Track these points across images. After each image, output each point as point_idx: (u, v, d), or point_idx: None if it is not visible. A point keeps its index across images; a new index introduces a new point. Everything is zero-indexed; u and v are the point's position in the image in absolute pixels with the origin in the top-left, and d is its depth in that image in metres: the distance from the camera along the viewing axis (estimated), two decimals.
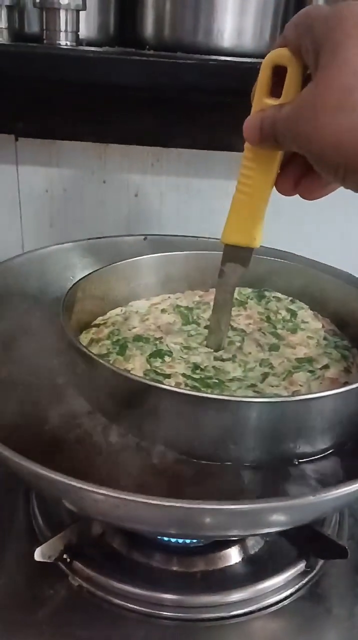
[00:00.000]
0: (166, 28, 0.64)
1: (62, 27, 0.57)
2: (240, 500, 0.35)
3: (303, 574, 0.52)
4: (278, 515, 0.37)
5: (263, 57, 0.67)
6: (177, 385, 0.49)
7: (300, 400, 0.44)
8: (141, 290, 0.66)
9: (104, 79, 0.57)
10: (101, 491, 0.34)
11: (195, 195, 0.85)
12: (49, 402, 0.50)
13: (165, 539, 0.53)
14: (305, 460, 0.47)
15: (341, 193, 0.85)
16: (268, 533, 0.52)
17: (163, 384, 0.47)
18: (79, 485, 0.35)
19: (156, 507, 0.34)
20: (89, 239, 0.73)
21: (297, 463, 0.47)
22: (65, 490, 0.36)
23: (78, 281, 0.59)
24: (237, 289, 0.67)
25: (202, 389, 0.49)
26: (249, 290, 0.67)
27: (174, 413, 0.44)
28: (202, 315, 0.63)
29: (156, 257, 0.67)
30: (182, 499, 0.34)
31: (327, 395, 0.44)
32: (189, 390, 0.47)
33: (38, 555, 0.47)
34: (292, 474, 0.46)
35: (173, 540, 0.53)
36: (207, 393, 0.46)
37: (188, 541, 0.53)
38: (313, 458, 0.48)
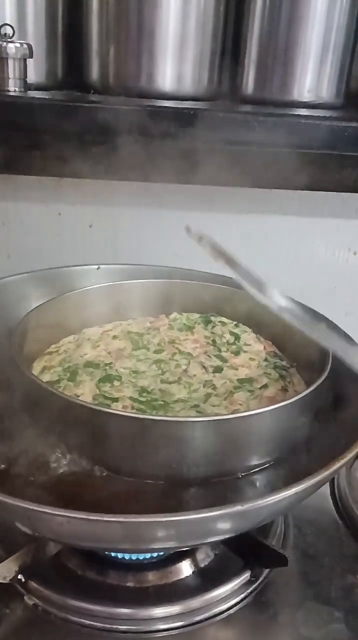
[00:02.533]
0: (110, 73, 0.68)
1: (11, 75, 0.61)
2: (172, 513, 0.38)
3: (249, 583, 0.55)
4: (212, 525, 0.40)
5: (203, 99, 0.72)
6: (124, 408, 0.52)
7: (236, 417, 0.48)
8: (94, 318, 0.69)
9: (50, 123, 0.61)
10: (46, 510, 0.37)
11: (148, 226, 0.89)
12: (1, 431, 0.52)
13: (119, 555, 0.56)
14: (246, 473, 0.50)
15: (286, 224, 0.90)
16: (211, 544, 0.55)
17: (109, 407, 0.50)
18: (25, 505, 0.37)
19: (96, 522, 0.37)
20: (45, 269, 0.76)
21: (240, 476, 0.50)
22: (13, 511, 0.39)
23: (31, 311, 0.62)
24: (185, 314, 0.71)
25: (148, 411, 0.52)
26: (197, 315, 0.71)
27: (119, 435, 0.47)
28: (152, 340, 0.66)
29: (107, 286, 0.71)
30: (120, 514, 0.37)
31: (260, 413, 0.48)
32: (133, 412, 0.50)
33: None
34: (233, 487, 0.49)
35: (126, 557, 0.56)
36: (147, 415, 0.49)
37: (141, 557, 0.56)
38: (253, 471, 0.51)
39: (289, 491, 0.41)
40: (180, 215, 0.89)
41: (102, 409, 0.47)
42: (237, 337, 0.67)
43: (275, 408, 0.48)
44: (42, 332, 0.63)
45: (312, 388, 0.51)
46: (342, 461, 0.45)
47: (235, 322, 0.70)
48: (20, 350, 0.55)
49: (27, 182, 0.86)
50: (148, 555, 0.56)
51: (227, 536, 0.47)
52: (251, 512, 0.40)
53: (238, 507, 0.39)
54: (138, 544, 0.43)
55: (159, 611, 0.52)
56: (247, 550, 0.55)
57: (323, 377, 0.53)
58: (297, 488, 0.42)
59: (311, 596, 0.55)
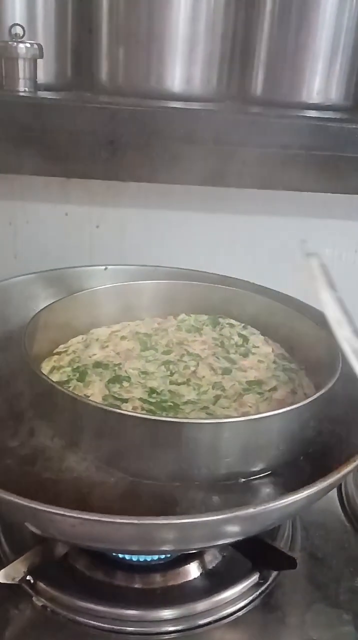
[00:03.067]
0: (120, 74, 0.68)
1: (21, 75, 0.61)
2: (188, 514, 0.38)
3: (257, 585, 0.55)
4: (224, 528, 0.40)
5: (211, 100, 0.72)
6: (134, 409, 0.52)
7: (247, 420, 0.48)
8: (102, 319, 0.69)
9: (60, 123, 0.61)
10: (58, 512, 0.37)
11: (154, 226, 0.89)
12: (11, 430, 0.52)
13: (127, 557, 0.56)
14: (254, 476, 0.50)
15: (292, 225, 0.90)
16: (220, 546, 0.55)
17: (120, 408, 0.50)
18: (37, 507, 0.37)
19: (109, 524, 0.37)
20: (52, 269, 0.76)
21: (248, 479, 0.50)
22: (25, 512, 0.39)
23: (40, 311, 0.62)
24: (193, 315, 0.71)
25: (157, 412, 0.52)
26: (205, 317, 0.71)
27: (128, 436, 0.47)
28: (160, 341, 0.66)
29: (116, 287, 0.71)
30: (133, 516, 0.37)
31: (272, 415, 0.48)
32: (143, 413, 0.50)
33: (2, 577, 0.49)
34: (243, 490, 0.49)
35: (134, 558, 0.56)
36: (159, 416, 0.49)
37: (149, 559, 0.56)
38: (262, 475, 0.51)
39: (300, 494, 0.41)
40: (186, 216, 0.89)
41: (114, 409, 0.47)
42: (245, 339, 0.67)
43: (287, 411, 0.48)
44: (51, 332, 0.63)
45: (323, 390, 0.51)
46: (353, 464, 0.44)
47: (243, 324, 0.70)
48: (29, 350, 0.55)
49: (34, 182, 0.86)
50: (156, 557, 0.56)
51: (237, 539, 0.47)
52: (262, 515, 0.40)
53: (250, 510, 0.39)
54: (149, 546, 0.43)
55: (167, 613, 0.52)
56: (256, 553, 0.55)
57: (334, 380, 0.53)
58: (308, 491, 0.42)
59: (319, 598, 0.55)
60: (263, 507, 0.39)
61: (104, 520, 0.37)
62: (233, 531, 0.43)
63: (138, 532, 0.38)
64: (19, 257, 0.91)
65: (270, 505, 0.40)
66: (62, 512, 0.37)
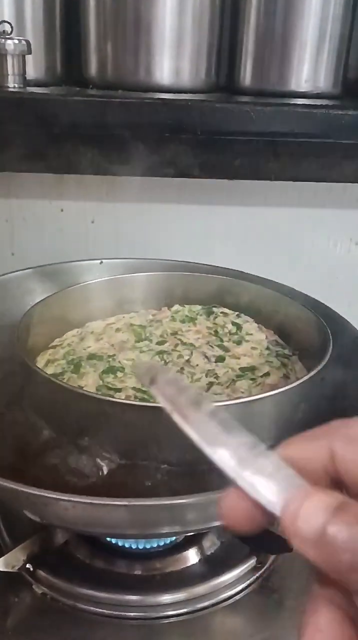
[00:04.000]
0: (108, 68, 0.69)
1: (10, 71, 0.62)
2: (179, 495, 0.39)
3: (255, 569, 0.55)
4: (214, 508, 0.41)
5: (200, 92, 0.73)
6: (127, 398, 0.53)
7: (237, 403, 0.48)
8: (97, 312, 0.70)
9: (50, 118, 0.61)
10: (51, 495, 0.38)
11: (149, 220, 0.89)
12: (7, 423, 0.53)
13: (126, 544, 0.57)
14: None
15: (287, 215, 0.91)
16: (220, 529, 0.56)
17: (113, 397, 0.51)
18: (31, 491, 0.38)
19: (101, 506, 0.38)
20: (48, 264, 0.77)
21: None
22: (19, 497, 0.39)
23: (34, 305, 0.63)
24: (187, 306, 0.72)
25: (150, 400, 0.52)
26: (199, 307, 0.72)
27: (125, 424, 0.48)
28: (154, 332, 0.67)
29: (110, 280, 0.71)
30: (123, 498, 0.38)
31: (261, 398, 0.48)
32: (135, 401, 0.51)
33: (2, 565, 0.50)
34: None
35: (133, 545, 0.56)
36: (149, 402, 0.50)
37: (148, 546, 0.57)
38: None
39: None
40: (180, 208, 0.90)
41: (104, 397, 0.48)
42: (238, 327, 0.67)
43: (276, 393, 0.49)
44: (46, 326, 0.64)
45: (311, 374, 0.52)
46: None
47: (236, 313, 0.70)
48: (24, 343, 0.56)
49: (29, 179, 0.86)
50: (155, 544, 0.57)
51: None
52: None
53: None
54: (143, 529, 0.43)
55: (167, 598, 0.52)
56: (253, 537, 0.55)
57: (323, 363, 0.53)
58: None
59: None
60: None
61: (95, 503, 0.37)
62: None
63: (131, 514, 0.39)
64: (16, 254, 0.91)
65: None
66: (54, 496, 0.37)
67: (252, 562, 0.55)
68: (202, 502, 0.39)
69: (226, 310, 0.70)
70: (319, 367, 0.52)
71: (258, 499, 0.23)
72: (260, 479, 0.23)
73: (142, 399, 0.53)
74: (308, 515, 0.21)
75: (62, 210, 0.89)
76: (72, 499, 0.37)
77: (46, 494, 0.38)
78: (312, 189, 0.87)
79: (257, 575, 0.55)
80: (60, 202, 0.89)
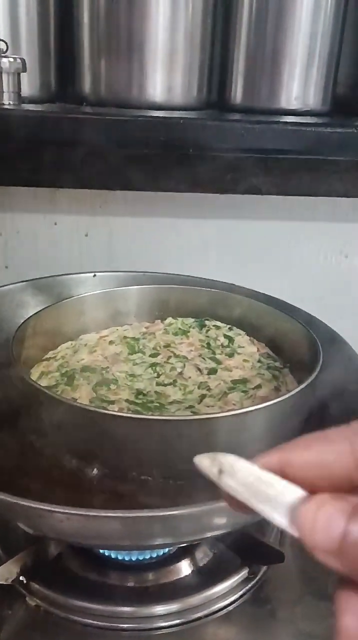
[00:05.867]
0: (102, 85, 0.70)
1: (5, 89, 0.63)
2: (173, 507, 0.39)
3: (247, 580, 0.56)
4: (210, 519, 0.41)
5: (192, 109, 0.74)
6: (120, 410, 0.53)
7: (228, 415, 0.49)
8: (91, 324, 0.71)
9: (43, 135, 0.63)
10: (45, 507, 0.38)
11: (142, 233, 0.90)
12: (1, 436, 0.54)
13: (119, 556, 0.57)
14: None
15: (278, 229, 0.92)
16: (212, 542, 0.56)
17: (106, 409, 0.52)
18: (24, 503, 0.38)
19: (96, 518, 0.38)
20: (41, 278, 0.78)
21: None
22: (13, 509, 0.40)
23: (28, 318, 0.63)
24: (180, 319, 0.73)
25: (143, 412, 0.53)
26: (191, 320, 0.73)
27: (119, 436, 0.48)
28: (148, 345, 0.67)
29: (103, 293, 0.72)
30: (118, 510, 0.38)
31: (252, 410, 0.49)
32: (128, 413, 0.51)
33: None
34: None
35: (126, 557, 0.57)
36: (142, 415, 0.50)
37: (141, 557, 0.57)
38: None
39: None
40: (173, 222, 0.91)
41: (98, 409, 0.49)
42: (231, 340, 0.68)
43: (267, 405, 0.49)
44: (40, 339, 0.65)
45: (302, 386, 0.53)
46: None
47: (229, 326, 0.71)
48: (18, 356, 0.56)
49: (23, 193, 0.87)
50: (148, 556, 0.57)
51: (224, 531, 0.48)
52: None
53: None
54: (137, 540, 0.44)
55: (160, 609, 0.53)
56: (245, 548, 0.56)
57: (313, 376, 0.54)
58: None
59: (309, 592, 0.56)
60: None
61: (90, 515, 0.38)
62: (221, 523, 0.44)
63: (125, 526, 0.39)
64: (10, 267, 0.92)
65: None
66: (49, 508, 0.38)
67: (244, 573, 0.56)
68: (196, 513, 0.40)
69: (218, 323, 0.71)
70: (310, 380, 0.53)
71: (270, 520, 0.22)
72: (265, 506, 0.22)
73: (135, 411, 0.53)
74: (324, 526, 0.20)
75: (55, 224, 0.90)
76: (67, 511, 0.38)
77: (41, 506, 0.38)
78: (302, 203, 0.88)
79: (250, 586, 0.56)
80: (53, 215, 0.90)
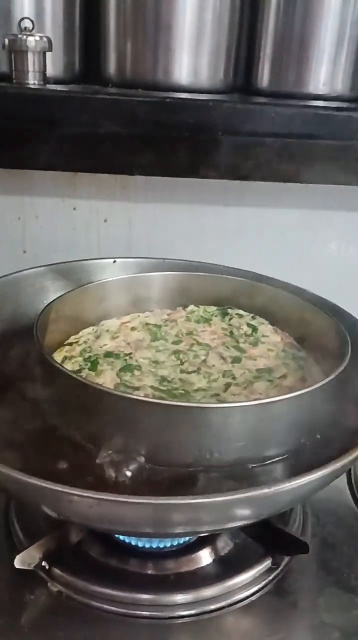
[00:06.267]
0: (128, 67, 0.69)
1: (30, 68, 0.62)
2: (204, 495, 0.39)
3: (270, 570, 0.55)
4: (239, 508, 0.41)
5: (218, 92, 0.73)
6: (146, 396, 0.53)
7: (258, 404, 0.48)
8: (112, 310, 0.70)
9: (69, 116, 0.62)
10: (77, 492, 0.38)
11: (161, 220, 0.89)
12: (28, 419, 0.53)
13: (140, 544, 0.56)
14: (263, 463, 0.51)
15: (299, 217, 0.91)
16: (234, 531, 0.56)
17: (132, 394, 0.51)
18: (55, 487, 0.38)
19: (127, 504, 0.38)
20: (62, 262, 0.77)
21: (257, 465, 0.51)
22: (43, 493, 0.39)
23: (51, 303, 0.63)
24: (202, 307, 0.72)
25: (169, 399, 0.52)
26: (214, 308, 0.72)
27: (141, 422, 0.48)
28: (170, 332, 0.67)
29: (125, 279, 0.71)
30: (150, 496, 0.38)
31: (283, 399, 0.48)
32: (157, 399, 0.51)
33: (18, 563, 0.50)
34: (251, 475, 0.49)
35: (147, 545, 0.56)
36: (172, 400, 0.50)
37: (161, 545, 0.56)
38: (274, 460, 0.51)
39: (313, 476, 0.42)
40: (193, 209, 0.90)
41: (128, 395, 0.48)
42: (254, 329, 0.67)
43: (296, 395, 0.49)
44: (62, 324, 0.64)
45: (331, 377, 0.52)
46: None
47: (252, 314, 0.70)
48: (42, 340, 0.56)
49: (42, 177, 0.86)
50: (168, 544, 0.56)
51: (251, 521, 0.47)
52: (275, 496, 0.41)
53: (264, 490, 0.40)
54: (163, 527, 0.43)
55: (180, 597, 0.52)
56: (268, 538, 0.55)
57: (343, 366, 0.53)
58: (320, 473, 0.42)
59: (331, 583, 0.56)
60: (277, 487, 0.40)
61: (121, 501, 0.37)
62: (248, 513, 0.43)
63: (154, 513, 0.39)
64: (29, 252, 0.91)
65: (284, 486, 0.40)
66: (80, 493, 0.37)
67: (267, 563, 0.55)
68: (225, 502, 0.39)
69: (241, 311, 0.70)
70: (339, 370, 0.52)
71: None
72: None
73: (161, 398, 0.53)
74: None
75: (74, 209, 0.89)
76: (98, 496, 0.37)
77: (72, 491, 0.38)
78: (324, 190, 0.87)
79: (272, 576, 0.55)
80: (73, 200, 0.89)
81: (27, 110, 0.62)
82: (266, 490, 0.39)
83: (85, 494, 0.38)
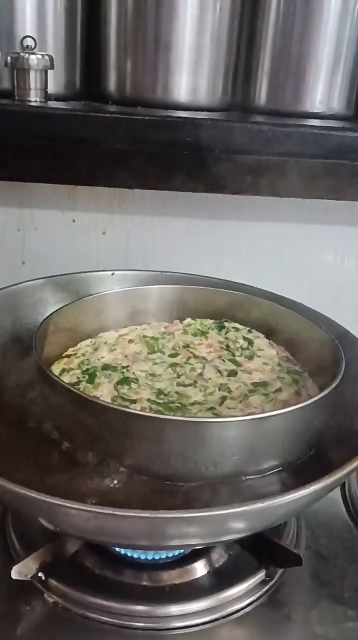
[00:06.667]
0: (128, 85, 0.70)
1: (32, 86, 0.63)
2: (198, 509, 0.39)
3: (263, 582, 0.56)
4: (233, 522, 0.42)
5: (216, 110, 0.74)
6: (143, 409, 0.53)
7: (253, 419, 0.49)
8: (110, 323, 0.71)
9: (69, 133, 0.63)
10: (72, 505, 0.38)
11: (159, 233, 0.90)
12: (24, 431, 0.54)
13: (135, 555, 0.57)
14: (259, 476, 0.51)
15: (295, 231, 0.92)
16: (228, 543, 0.56)
17: (129, 408, 0.52)
18: (52, 500, 0.39)
19: (123, 518, 0.39)
20: (60, 274, 0.78)
21: (249, 478, 0.51)
22: (40, 506, 0.40)
23: (50, 315, 0.63)
24: (198, 320, 0.73)
25: (165, 413, 0.53)
26: (210, 321, 0.72)
27: (138, 435, 0.48)
28: (167, 345, 0.68)
29: (123, 291, 0.72)
30: (146, 510, 0.38)
31: (276, 415, 0.49)
32: (153, 413, 0.51)
33: (14, 574, 0.50)
34: (244, 489, 0.50)
35: (142, 556, 0.57)
36: (168, 415, 0.51)
37: (156, 557, 0.57)
38: (268, 473, 0.52)
39: (307, 490, 0.43)
40: (191, 222, 0.91)
41: (124, 409, 0.49)
42: (250, 342, 0.68)
43: (291, 410, 0.50)
44: (60, 336, 0.65)
45: (326, 392, 0.53)
46: (357, 462, 0.46)
47: (248, 328, 0.71)
48: (41, 353, 0.56)
49: (42, 190, 0.87)
50: (164, 555, 0.57)
51: (245, 534, 0.48)
52: (269, 510, 0.42)
53: (258, 505, 0.40)
54: (159, 540, 0.44)
55: (175, 609, 0.53)
56: (262, 551, 0.56)
57: (337, 382, 0.54)
58: (314, 487, 0.43)
59: (325, 596, 0.56)
60: (271, 501, 0.41)
61: (118, 514, 0.38)
62: (242, 526, 0.44)
63: (150, 526, 0.40)
64: (27, 263, 0.92)
65: (278, 500, 0.41)
66: (77, 507, 0.38)
67: (260, 575, 0.56)
68: (221, 515, 0.40)
69: (237, 325, 0.71)
70: (333, 385, 0.53)
71: None
72: None
73: (157, 411, 0.53)
74: None
75: (74, 221, 0.90)
76: (95, 509, 0.38)
77: (69, 505, 0.38)
78: (321, 206, 0.88)
79: (266, 588, 0.56)
80: (72, 213, 0.90)
81: (28, 127, 0.63)
82: (260, 505, 0.40)
83: (83, 508, 0.38)
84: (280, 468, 0.53)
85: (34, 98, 0.64)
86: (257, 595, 0.55)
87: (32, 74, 0.63)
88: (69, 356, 0.64)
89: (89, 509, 0.38)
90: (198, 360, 0.65)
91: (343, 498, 0.69)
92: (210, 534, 0.43)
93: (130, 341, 0.67)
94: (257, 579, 0.56)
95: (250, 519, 0.43)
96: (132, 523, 0.39)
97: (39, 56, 0.63)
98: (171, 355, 0.65)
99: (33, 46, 0.64)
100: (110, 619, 0.52)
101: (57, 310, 0.65)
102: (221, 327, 0.71)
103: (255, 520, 0.44)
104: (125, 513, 0.38)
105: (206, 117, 0.66)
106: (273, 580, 0.56)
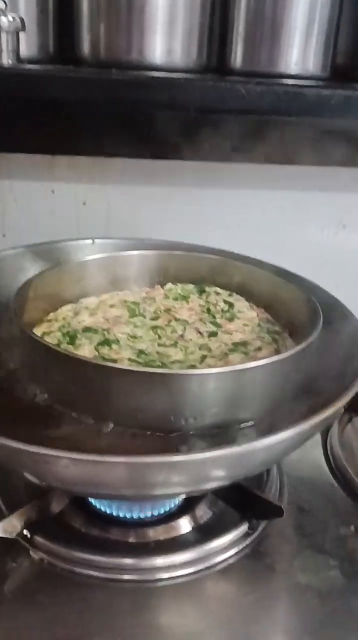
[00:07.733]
0: (101, 47, 0.70)
1: (4, 47, 0.62)
2: (177, 453, 0.40)
3: (247, 535, 0.57)
4: (212, 468, 0.42)
5: (192, 72, 0.74)
6: None
7: (232, 371, 0.50)
8: (91, 289, 0.71)
9: (44, 94, 0.62)
10: (51, 452, 0.39)
11: (140, 202, 0.90)
12: (8, 392, 0.54)
13: (121, 514, 0.58)
14: (238, 427, 0.52)
15: (278, 198, 0.92)
16: (212, 499, 0.57)
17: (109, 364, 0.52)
18: (31, 449, 0.39)
19: (101, 464, 0.39)
20: (40, 243, 0.78)
21: (240, 427, 0.52)
22: (20, 456, 0.40)
23: (30, 279, 0.63)
24: (179, 285, 0.73)
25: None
26: (191, 286, 0.73)
27: (122, 390, 0.49)
28: (148, 309, 0.68)
29: (104, 258, 0.72)
30: (123, 455, 0.39)
31: (255, 367, 0.50)
32: (135, 367, 0.52)
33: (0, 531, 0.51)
34: (227, 438, 0.51)
35: (128, 515, 0.58)
36: (149, 368, 0.51)
37: (142, 515, 0.58)
38: (248, 425, 0.53)
39: (283, 434, 0.43)
40: (171, 191, 0.91)
41: (105, 364, 0.49)
42: (231, 305, 0.69)
43: (269, 363, 0.50)
44: (40, 302, 0.65)
45: (303, 345, 0.53)
46: (334, 407, 0.47)
47: (229, 292, 0.71)
48: (20, 315, 0.57)
49: (20, 160, 0.87)
50: (149, 514, 0.58)
51: (225, 482, 0.49)
52: (248, 455, 0.42)
53: (236, 448, 0.41)
54: (139, 488, 0.45)
55: (161, 561, 0.54)
56: (244, 504, 0.57)
57: (315, 335, 0.55)
58: (290, 431, 0.44)
59: (306, 546, 0.57)
60: (248, 446, 0.41)
61: (95, 460, 0.38)
62: (222, 473, 0.45)
63: (129, 472, 0.40)
64: (8, 236, 0.92)
65: (256, 444, 0.42)
66: (56, 454, 0.39)
67: (243, 527, 0.57)
68: (200, 459, 0.41)
69: (218, 289, 0.72)
70: (310, 339, 0.54)
71: None
72: None
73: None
74: None
75: (53, 192, 0.90)
76: (73, 456, 0.38)
77: (47, 452, 0.39)
78: (302, 172, 0.88)
79: (249, 540, 0.57)
80: (51, 183, 0.89)
81: (2, 89, 0.62)
82: (238, 449, 0.41)
83: (61, 454, 0.39)
84: (260, 419, 0.53)
85: (6, 60, 0.63)
86: (241, 547, 0.56)
87: (3, 36, 0.62)
88: (49, 321, 0.64)
89: (68, 455, 0.38)
90: (180, 322, 0.65)
91: (326, 457, 0.70)
92: (189, 481, 0.44)
93: (112, 306, 0.68)
94: (240, 531, 0.57)
95: (230, 465, 0.44)
96: (111, 469, 0.40)
97: (10, 18, 0.62)
98: (152, 319, 0.66)
99: (4, 8, 0.63)
100: (96, 573, 0.53)
101: (36, 275, 0.65)
102: (202, 291, 0.72)
103: (235, 466, 0.45)
104: (103, 459, 0.38)
105: (181, 76, 0.65)
106: (257, 533, 0.58)
